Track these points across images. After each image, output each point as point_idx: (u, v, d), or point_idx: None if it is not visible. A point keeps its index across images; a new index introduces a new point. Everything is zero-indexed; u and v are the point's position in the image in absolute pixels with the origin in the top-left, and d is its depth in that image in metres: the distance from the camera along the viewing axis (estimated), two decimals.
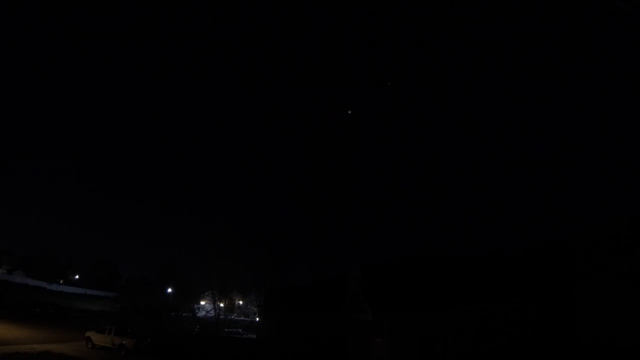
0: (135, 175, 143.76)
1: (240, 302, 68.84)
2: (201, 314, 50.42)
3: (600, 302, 18.58)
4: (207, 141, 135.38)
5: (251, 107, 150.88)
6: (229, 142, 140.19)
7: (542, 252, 23.40)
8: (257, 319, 52.13)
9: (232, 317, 59.47)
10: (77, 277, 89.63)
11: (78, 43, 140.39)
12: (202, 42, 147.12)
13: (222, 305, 48.31)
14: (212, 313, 46.26)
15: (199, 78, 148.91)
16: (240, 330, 47.98)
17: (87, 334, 30.22)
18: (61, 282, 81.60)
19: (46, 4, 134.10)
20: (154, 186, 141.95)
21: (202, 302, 58.69)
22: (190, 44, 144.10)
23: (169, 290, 49.39)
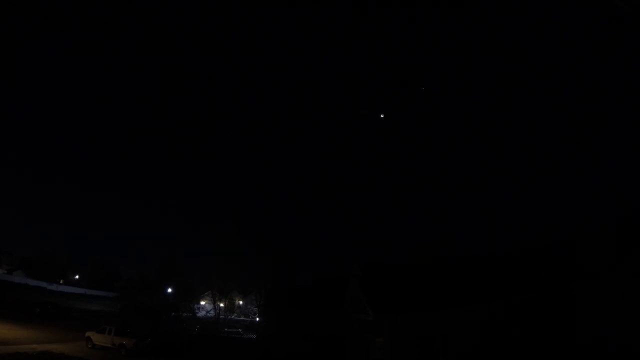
0: (135, 176, 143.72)
1: (240, 302, 68.71)
2: (201, 314, 50.40)
3: (601, 302, 18.61)
4: (208, 141, 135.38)
5: (251, 108, 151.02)
6: (229, 143, 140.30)
7: (542, 252, 23.42)
8: (257, 319, 52.13)
9: (232, 317, 59.44)
10: (77, 277, 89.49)
11: (79, 43, 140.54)
12: (209, 40, 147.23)
13: (222, 305, 48.33)
14: (212, 313, 46.30)
15: (200, 78, 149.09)
16: (240, 330, 47.98)
17: (87, 334, 30.23)
18: (61, 282, 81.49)
19: (46, 3, 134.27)
20: (155, 186, 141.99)
21: (202, 302, 58.61)
22: (196, 42, 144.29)
23: (169, 290, 49.32)
